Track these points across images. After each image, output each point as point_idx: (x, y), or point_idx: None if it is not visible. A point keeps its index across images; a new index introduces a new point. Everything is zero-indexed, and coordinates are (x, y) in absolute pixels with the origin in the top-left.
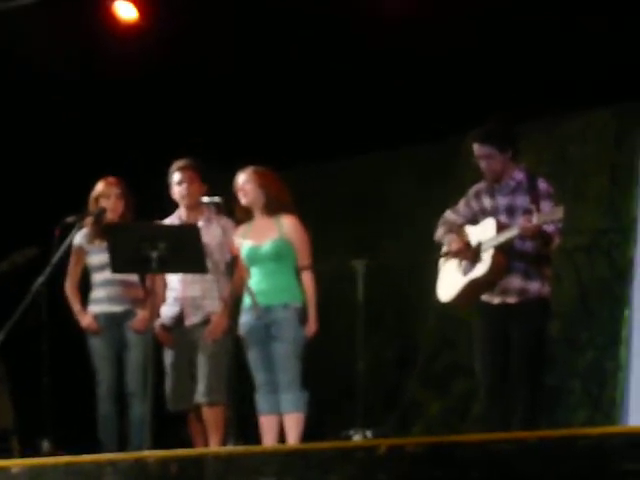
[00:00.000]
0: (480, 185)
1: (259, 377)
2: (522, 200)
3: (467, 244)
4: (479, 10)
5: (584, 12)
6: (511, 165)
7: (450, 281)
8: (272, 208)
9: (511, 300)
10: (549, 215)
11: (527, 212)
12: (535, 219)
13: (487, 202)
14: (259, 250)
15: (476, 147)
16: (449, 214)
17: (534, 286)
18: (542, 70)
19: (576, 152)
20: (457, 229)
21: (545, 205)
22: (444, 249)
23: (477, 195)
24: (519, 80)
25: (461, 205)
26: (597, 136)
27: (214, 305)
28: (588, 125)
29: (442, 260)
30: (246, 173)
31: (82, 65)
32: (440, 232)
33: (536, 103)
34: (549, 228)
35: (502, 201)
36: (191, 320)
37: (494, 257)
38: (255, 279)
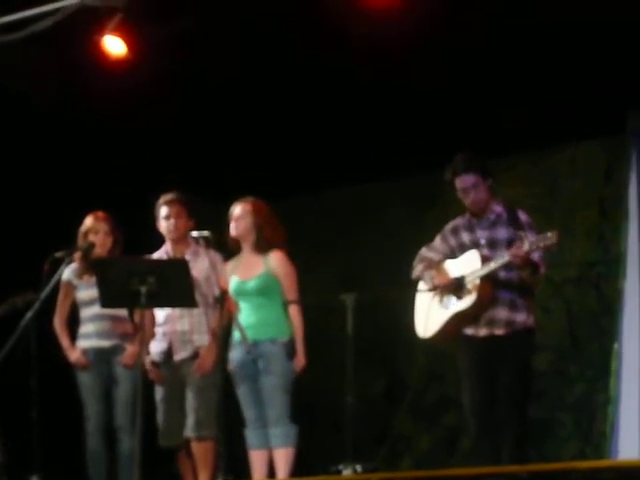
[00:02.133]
0: (457, 221)
1: (249, 413)
2: (503, 232)
3: (451, 278)
4: (469, 43)
5: (574, 44)
6: (491, 197)
7: (431, 316)
8: (261, 247)
9: (499, 332)
10: (543, 240)
11: (514, 241)
12: (527, 246)
13: (466, 237)
14: (245, 285)
15: (460, 179)
16: (425, 251)
17: (520, 317)
18: (531, 102)
19: (564, 185)
20: (436, 265)
21: (530, 235)
22: (425, 285)
23: (454, 231)
24: (508, 112)
25: (437, 241)
26: (586, 169)
27: (203, 339)
28: (576, 158)
29: (418, 297)
30: (243, 207)
31: (71, 100)
32: (418, 269)
33: (524, 135)
34: (535, 256)
35: (482, 235)
36: (180, 355)
37: (480, 288)
38: (243, 314)
